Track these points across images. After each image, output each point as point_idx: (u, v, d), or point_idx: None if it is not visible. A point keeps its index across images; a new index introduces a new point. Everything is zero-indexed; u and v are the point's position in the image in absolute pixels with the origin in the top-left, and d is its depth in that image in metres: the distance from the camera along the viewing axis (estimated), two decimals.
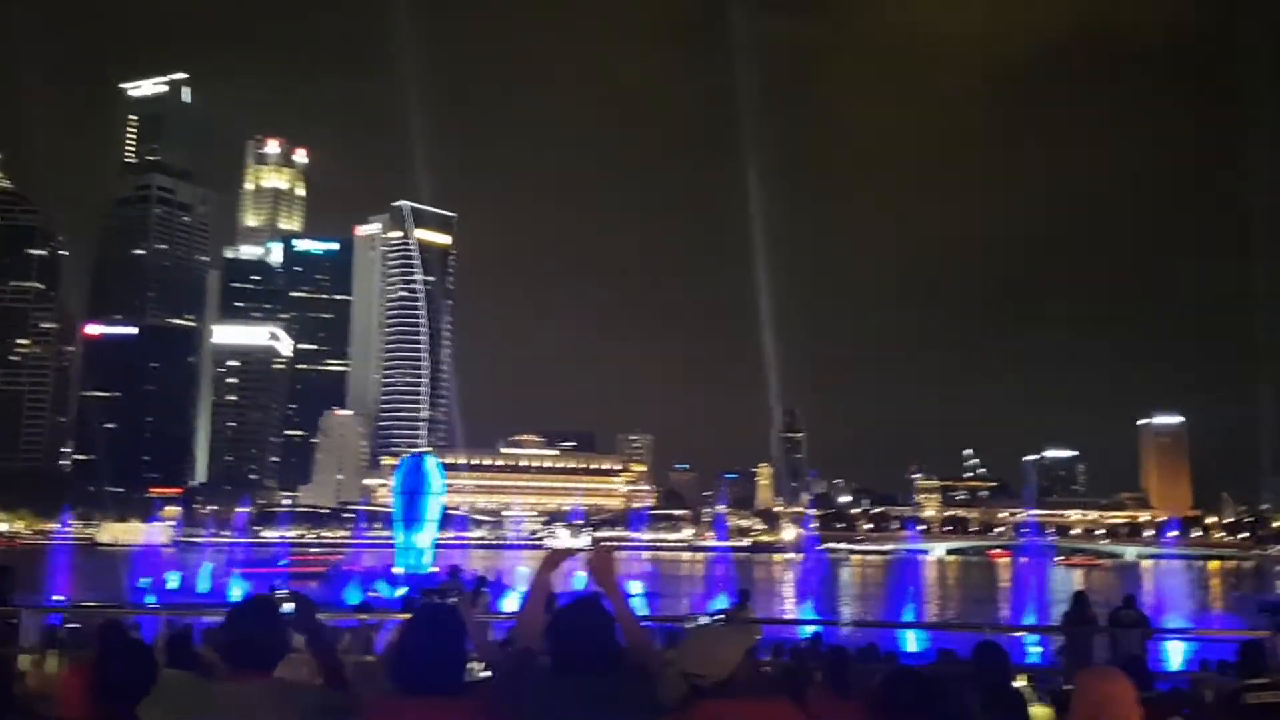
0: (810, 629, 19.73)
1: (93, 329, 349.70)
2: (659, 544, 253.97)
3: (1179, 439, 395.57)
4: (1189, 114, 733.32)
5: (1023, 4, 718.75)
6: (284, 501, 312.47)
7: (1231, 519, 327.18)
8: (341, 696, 4.87)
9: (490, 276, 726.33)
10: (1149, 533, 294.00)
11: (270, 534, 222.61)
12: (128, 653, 5.38)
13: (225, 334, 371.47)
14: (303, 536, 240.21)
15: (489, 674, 5.20)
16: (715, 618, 18.28)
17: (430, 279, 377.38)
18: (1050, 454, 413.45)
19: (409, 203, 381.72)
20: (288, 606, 5.42)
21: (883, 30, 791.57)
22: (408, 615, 17.52)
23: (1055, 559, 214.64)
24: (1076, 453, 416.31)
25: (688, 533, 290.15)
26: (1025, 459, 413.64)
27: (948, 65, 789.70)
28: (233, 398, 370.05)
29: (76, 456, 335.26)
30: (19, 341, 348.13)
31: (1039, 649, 22.27)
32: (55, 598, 43.01)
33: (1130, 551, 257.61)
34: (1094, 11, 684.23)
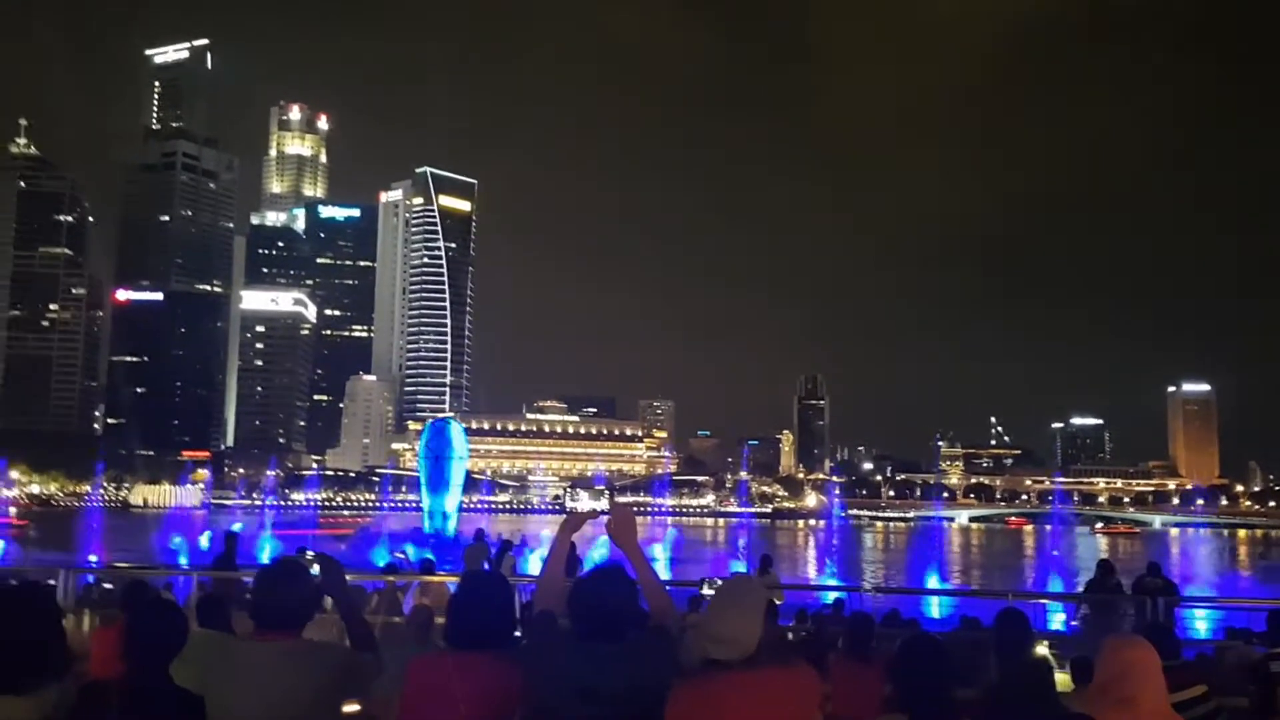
0: (832, 595, 19.80)
1: (122, 294, 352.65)
2: (682, 509, 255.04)
3: (1207, 407, 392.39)
4: (1204, 70, 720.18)
5: None
6: (312, 465, 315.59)
7: (1260, 488, 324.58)
8: (369, 656, 4.95)
9: (511, 243, 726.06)
10: (1176, 501, 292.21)
11: (299, 497, 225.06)
12: (158, 612, 5.48)
13: (252, 300, 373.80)
14: (331, 500, 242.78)
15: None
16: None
17: (452, 245, 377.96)
18: (1076, 421, 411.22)
19: (431, 169, 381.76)
20: (315, 569, 5.50)
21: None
22: (436, 578, 17.71)
23: (1095, 526, 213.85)
24: (1102, 421, 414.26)
25: (710, 499, 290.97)
26: (1052, 426, 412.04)
27: (956, 27, 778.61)
28: (260, 363, 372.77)
29: (107, 420, 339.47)
30: (49, 307, 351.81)
31: (1062, 616, 22.24)
32: (90, 558, 43.71)
33: (1157, 520, 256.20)
34: None
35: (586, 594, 4.51)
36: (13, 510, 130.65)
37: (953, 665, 5.01)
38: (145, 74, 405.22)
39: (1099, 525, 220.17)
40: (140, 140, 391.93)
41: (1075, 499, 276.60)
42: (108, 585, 19.86)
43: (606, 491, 5.34)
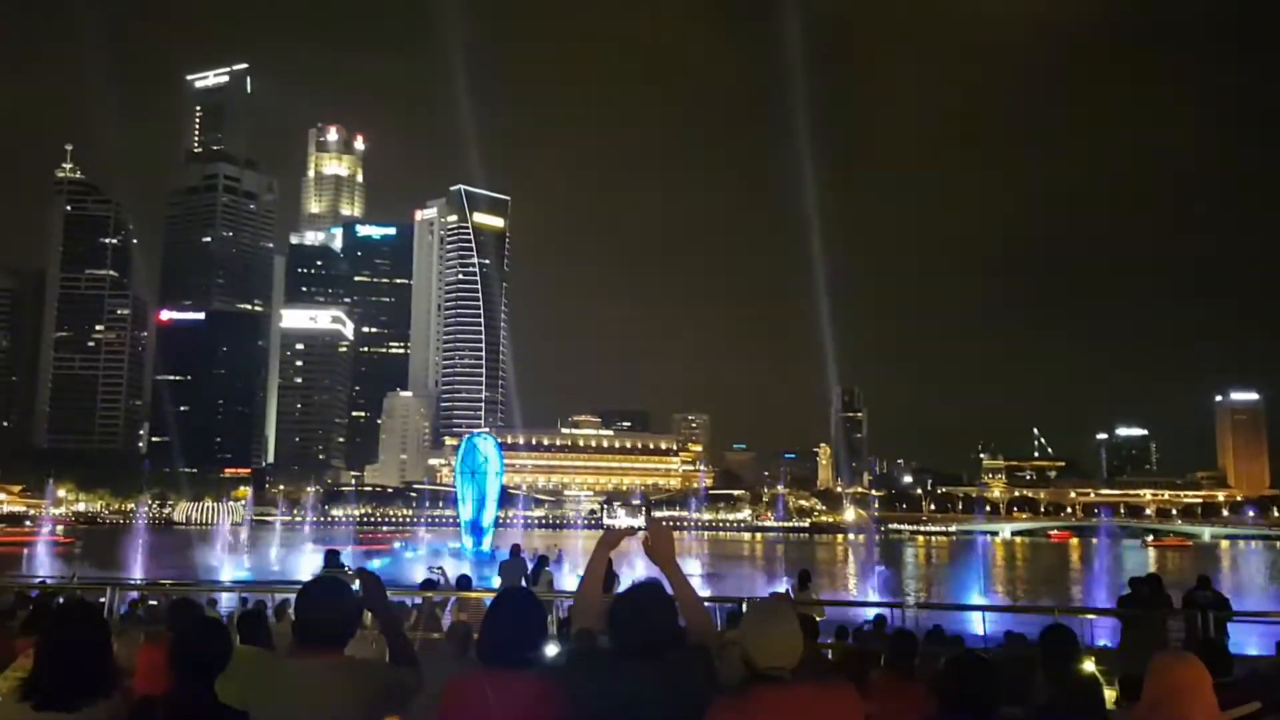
0: (873, 611, 19.61)
1: (165, 315, 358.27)
2: (718, 524, 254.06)
3: (1256, 416, 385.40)
4: (1246, 72, 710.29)
5: None
6: (350, 481, 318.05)
7: None
8: (409, 673, 4.97)
9: (544, 258, 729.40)
10: (1226, 513, 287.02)
11: (338, 513, 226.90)
12: (203, 629, 5.54)
13: (291, 318, 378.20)
14: (369, 515, 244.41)
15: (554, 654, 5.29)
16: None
17: (486, 261, 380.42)
18: (1122, 432, 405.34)
19: (465, 187, 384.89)
20: (356, 585, 5.54)
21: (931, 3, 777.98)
22: (475, 594, 17.73)
23: (1147, 540, 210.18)
24: (1147, 431, 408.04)
25: (747, 513, 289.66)
26: (1096, 438, 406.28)
27: (1000, 36, 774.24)
28: (299, 380, 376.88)
29: (151, 438, 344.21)
30: (95, 328, 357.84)
31: (1105, 637, 21.87)
32: (134, 575, 44.28)
33: (1206, 532, 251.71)
34: None
35: (624, 612, 4.49)
36: (59, 529, 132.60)
37: (1000, 683, 4.95)
38: (187, 98, 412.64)
39: (1150, 539, 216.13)
40: (182, 163, 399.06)
41: (1121, 511, 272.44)
42: (154, 601, 20.08)
43: (643, 508, 5.22)
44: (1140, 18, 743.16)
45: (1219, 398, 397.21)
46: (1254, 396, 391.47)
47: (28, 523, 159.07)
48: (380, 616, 5.49)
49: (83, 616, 5.06)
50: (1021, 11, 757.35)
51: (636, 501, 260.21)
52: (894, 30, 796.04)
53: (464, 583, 20.08)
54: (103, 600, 16.00)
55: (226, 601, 20.67)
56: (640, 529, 5.43)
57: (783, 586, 33.13)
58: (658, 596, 4.56)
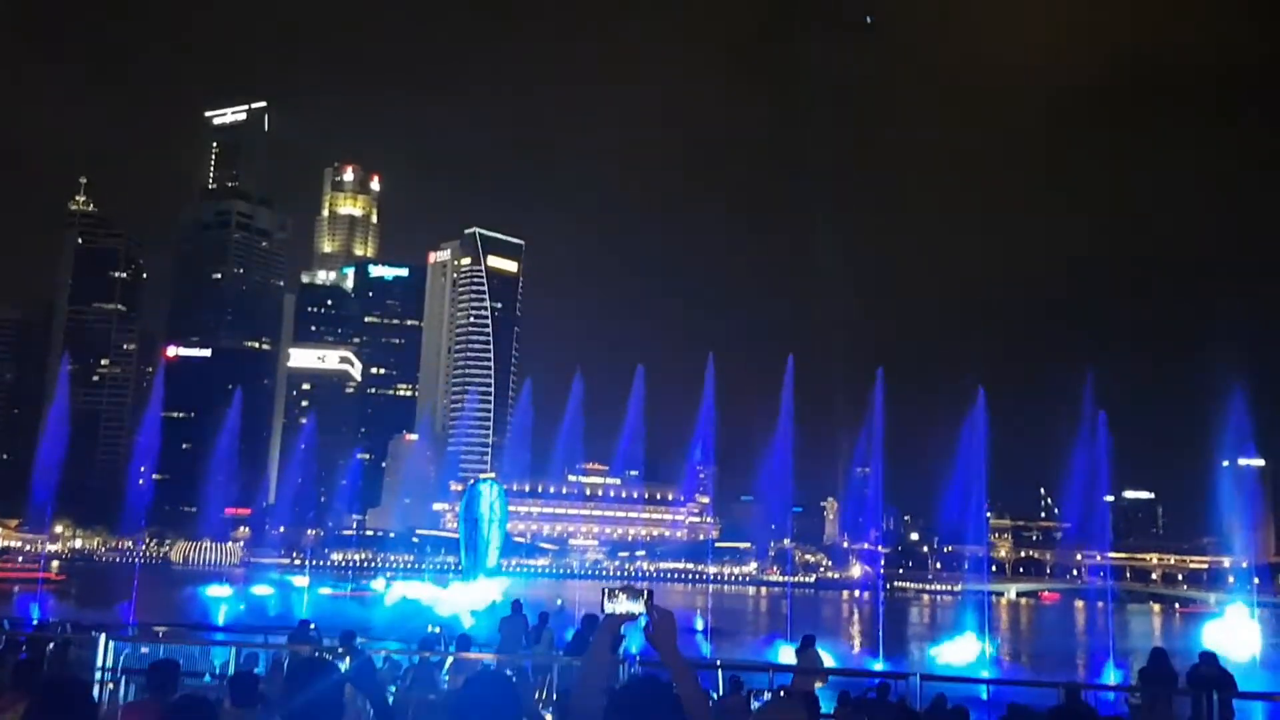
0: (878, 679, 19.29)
1: (172, 350, 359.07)
2: (723, 577, 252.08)
3: (1261, 482, 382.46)
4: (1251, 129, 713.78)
5: (1086, 31, 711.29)
6: (352, 524, 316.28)
7: None
8: None
9: (557, 303, 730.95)
10: (1231, 579, 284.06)
11: (337, 557, 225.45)
12: (189, 707, 5.38)
13: (299, 357, 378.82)
14: (369, 560, 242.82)
15: None
16: (778, 690, 18.05)
17: (498, 305, 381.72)
18: (1129, 495, 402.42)
19: (480, 230, 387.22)
20: (346, 661, 5.39)
21: (944, 61, 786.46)
22: (475, 655, 17.41)
23: (1176, 607, 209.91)
24: (1154, 495, 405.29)
25: (753, 566, 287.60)
26: (1103, 500, 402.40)
27: (1008, 94, 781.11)
28: (304, 420, 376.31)
29: (153, 475, 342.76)
30: (101, 362, 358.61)
31: (1110, 710, 21.47)
32: (127, 622, 43.86)
33: (1211, 598, 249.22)
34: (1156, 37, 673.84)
35: (624, 708, 4.40)
36: (54, 564, 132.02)
37: None
38: (204, 135, 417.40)
39: (1178, 606, 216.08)
40: (196, 199, 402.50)
41: (1128, 575, 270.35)
42: (144, 649, 19.83)
43: (646, 592, 5.11)
44: (1125, 88, 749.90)
45: (1225, 463, 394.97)
46: (1259, 463, 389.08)
47: (20, 558, 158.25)
48: (371, 697, 5.35)
49: (70, 691, 4.93)
50: (1026, 73, 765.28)
51: (640, 585, 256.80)
52: (906, 88, 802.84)
53: (464, 643, 19.81)
54: (93, 649, 15.77)
55: (219, 652, 20.39)
56: (640, 615, 5.30)
57: (787, 648, 32.68)
58: (657, 694, 4.40)
